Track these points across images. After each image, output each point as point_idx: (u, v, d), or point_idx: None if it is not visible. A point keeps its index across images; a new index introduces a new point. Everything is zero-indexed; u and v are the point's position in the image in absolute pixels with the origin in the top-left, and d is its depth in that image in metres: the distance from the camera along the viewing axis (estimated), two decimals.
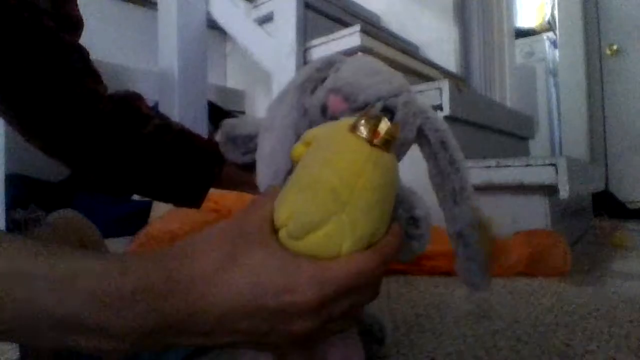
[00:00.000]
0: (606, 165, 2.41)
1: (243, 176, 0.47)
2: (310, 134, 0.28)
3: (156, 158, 0.48)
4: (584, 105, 2.48)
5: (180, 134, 0.50)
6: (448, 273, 0.86)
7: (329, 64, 0.35)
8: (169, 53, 1.46)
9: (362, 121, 0.24)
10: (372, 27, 1.54)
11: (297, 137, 0.31)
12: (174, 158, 0.49)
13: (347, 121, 0.26)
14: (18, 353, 0.37)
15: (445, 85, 1.20)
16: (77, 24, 0.47)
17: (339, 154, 0.24)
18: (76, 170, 0.50)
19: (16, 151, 1.09)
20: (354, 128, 0.24)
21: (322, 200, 0.23)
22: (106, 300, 0.21)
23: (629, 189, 2.31)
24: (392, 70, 0.35)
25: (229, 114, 1.74)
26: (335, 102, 0.31)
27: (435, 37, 1.91)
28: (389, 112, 0.32)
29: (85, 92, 0.46)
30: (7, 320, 0.20)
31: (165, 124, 0.50)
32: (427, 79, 1.56)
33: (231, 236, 0.24)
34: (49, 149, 0.47)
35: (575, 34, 2.51)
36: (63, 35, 0.44)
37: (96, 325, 0.21)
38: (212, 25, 1.60)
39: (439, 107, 1.20)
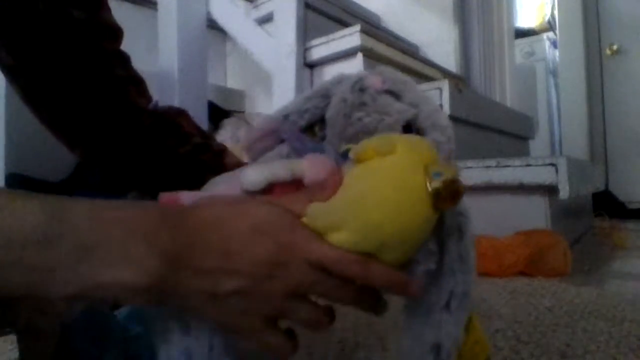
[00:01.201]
0: (606, 165, 2.41)
1: None
2: (387, 143, 0.26)
3: (190, 176, 0.49)
4: (584, 105, 2.47)
5: (219, 155, 0.52)
6: None
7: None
8: (169, 53, 1.45)
9: (442, 182, 0.24)
10: (372, 27, 1.54)
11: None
12: (206, 176, 0.50)
13: (427, 158, 0.26)
14: (18, 353, 0.37)
15: (445, 85, 1.20)
16: (116, 32, 0.48)
17: (407, 208, 0.25)
18: (111, 177, 0.51)
19: (16, 151, 1.09)
20: (431, 178, 0.25)
21: (373, 239, 0.25)
22: (133, 227, 0.23)
23: (629, 189, 2.30)
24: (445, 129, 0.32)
25: (229, 114, 1.74)
26: (375, 81, 0.32)
27: (435, 37, 1.91)
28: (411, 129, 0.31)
29: (128, 104, 0.47)
30: (33, 256, 0.21)
31: (204, 143, 0.52)
32: (427, 79, 1.56)
33: (242, 198, 0.27)
34: (88, 157, 0.49)
35: (575, 34, 2.51)
36: (104, 44, 0.46)
37: (124, 255, 0.22)
38: (212, 25, 1.60)
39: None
